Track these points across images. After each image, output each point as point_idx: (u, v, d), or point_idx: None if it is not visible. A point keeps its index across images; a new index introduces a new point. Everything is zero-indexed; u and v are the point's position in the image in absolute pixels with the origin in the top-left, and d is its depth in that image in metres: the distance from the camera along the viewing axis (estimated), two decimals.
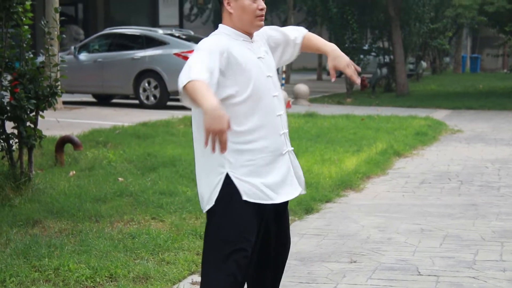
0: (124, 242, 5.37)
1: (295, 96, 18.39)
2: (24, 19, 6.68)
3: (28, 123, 6.76)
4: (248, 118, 3.15)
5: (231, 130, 2.83)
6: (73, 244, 5.30)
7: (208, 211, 3.21)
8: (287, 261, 3.59)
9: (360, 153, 9.72)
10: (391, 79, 23.63)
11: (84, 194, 6.69)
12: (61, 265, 4.77)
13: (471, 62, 41.16)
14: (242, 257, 3.13)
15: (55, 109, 7.05)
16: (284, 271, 3.59)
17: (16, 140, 6.79)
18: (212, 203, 3.17)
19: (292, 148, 3.38)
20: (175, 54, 15.46)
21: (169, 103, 16.15)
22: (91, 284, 4.57)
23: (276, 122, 3.24)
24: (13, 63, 6.74)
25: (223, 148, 2.79)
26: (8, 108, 6.64)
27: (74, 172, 7.76)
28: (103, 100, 17.16)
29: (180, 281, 4.72)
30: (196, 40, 16.37)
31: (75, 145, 8.40)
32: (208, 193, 3.20)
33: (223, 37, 3.19)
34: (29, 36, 6.78)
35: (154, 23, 30.06)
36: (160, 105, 15.64)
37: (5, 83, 6.75)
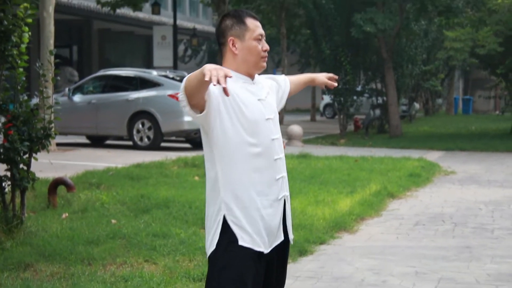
0: (117, 286, 5.32)
1: (289, 137, 18.44)
2: (19, 61, 6.72)
3: (21, 165, 6.74)
4: None
5: (231, 76, 2.87)
6: None
7: (209, 256, 3.18)
8: None
9: (353, 195, 9.71)
10: (384, 120, 23.74)
11: (77, 236, 6.65)
12: None
13: (463, 103, 41.47)
14: None
15: (48, 151, 7.04)
16: None
17: (9, 182, 6.76)
18: (213, 247, 3.15)
19: (288, 194, 3.32)
20: (169, 95, 15.52)
21: (163, 144, 16.16)
22: None
23: (274, 165, 3.20)
24: (7, 105, 6.75)
25: (224, 81, 2.83)
26: (1, 150, 6.63)
27: (66, 214, 7.72)
28: (97, 141, 17.16)
29: None
30: None
31: (68, 187, 8.37)
32: (209, 237, 3.18)
33: None
34: (24, 78, 6.81)
35: (149, 64, 30.26)
36: (154, 146, 15.65)
37: None
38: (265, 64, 3.27)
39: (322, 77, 3.74)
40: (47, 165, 9.64)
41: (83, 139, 17.47)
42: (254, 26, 3.22)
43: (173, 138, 16.92)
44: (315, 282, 5.85)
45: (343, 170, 12.23)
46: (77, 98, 16.48)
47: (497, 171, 13.64)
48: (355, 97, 22.89)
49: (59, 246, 6.28)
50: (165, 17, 31.07)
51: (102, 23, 29.26)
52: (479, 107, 41.82)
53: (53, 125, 6.93)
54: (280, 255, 3.30)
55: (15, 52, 6.68)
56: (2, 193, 6.77)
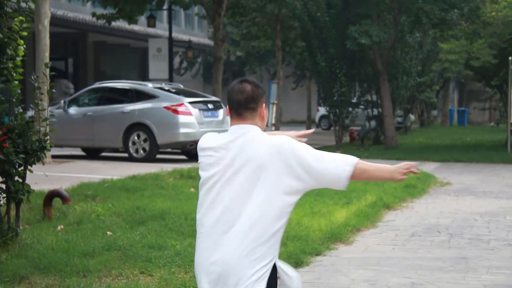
0: None
1: None
2: (14, 74, 6.73)
3: (16, 178, 6.73)
4: None
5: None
6: None
7: None
8: None
9: (349, 206, 9.71)
10: (379, 131, 23.78)
11: (72, 248, 6.63)
12: None
13: (458, 115, 41.57)
14: None
15: (43, 163, 7.03)
16: None
17: (4, 195, 6.75)
18: None
19: None
20: (165, 107, 15.53)
21: (159, 156, 16.15)
22: None
23: None
24: (2, 118, 6.75)
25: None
26: None
27: (62, 226, 7.70)
28: (93, 153, 17.14)
29: None
30: (186, 93, 16.49)
31: (64, 199, 8.35)
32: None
33: None
34: (19, 91, 6.82)
35: (144, 77, 30.29)
36: (149, 158, 15.64)
37: None
38: None
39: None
40: (43, 177, 9.62)
41: (79, 151, 17.44)
42: None
43: (169, 150, 16.91)
44: None
45: None
46: (73, 110, 16.47)
47: (492, 182, 13.66)
48: (350, 109, 22.93)
49: (54, 258, 6.26)
50: (161, 29, 31.13)
51: (98, 36, 29.30)
52: (474, 119, 41.90)
53: (48, 137, 6.93)
54: None
55: (10, 65, 6.69)
56: None
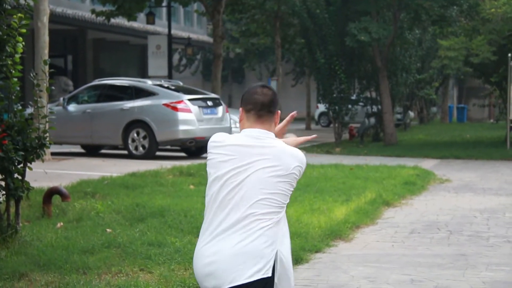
0: None
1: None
2: (13, 71, 6.72)
3: (15, 175, 6.73)
4: None
5: None
6: None
7: None
8: None
9: (349, 203, 9.72)
10: (379, 128, 23.77)
11: (72, 246, 6.63)
12: None
13: (457, 112, 41.58)
14: None
15: (43, 161, 7.03)
16: None
17: (3, 192, 6.75)
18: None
19: None
20: (164, 104, 15.53)
21: (158, 153, 16.15)
22: None
23: None
24: (2, 115, 6.75)
25: None
26: None
27: (61, 223, 7.70)
28: (92, 151, 17.14)
29: None
30: (185, 91, 16.48)
31: (63, 196, 8.35)
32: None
33: None
34: (18, 88, 6.81)
35: (143, 74, 30.27)
36: (149, 155, 15.63)
37: None
38: None
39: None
40: (42, 174, 9.62)
41: (78, 149, 17.45)
42: None
43: (168, 147, 16.91)
44: None
45: (338, 178, 12.23)
46: (72, 107, 16.47)
47: (492, 179, 13.66)
48: (350, 106, 22.93)
49: (54, 255, 6.26)
50: (160, 26, 31.11)
51: (97, 33, 29.28)
52: (473, 116, 41.91)
53: (47, 134, 6.92)
54: None
55: (9, 62, 6.68)
56: None
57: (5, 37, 6.64)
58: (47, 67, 7.60)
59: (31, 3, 7.41)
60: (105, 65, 31.64)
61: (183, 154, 16.99)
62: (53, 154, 15.13)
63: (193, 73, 42.22)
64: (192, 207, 8.40)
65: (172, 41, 26.48)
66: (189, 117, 15.48)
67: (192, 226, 7.52)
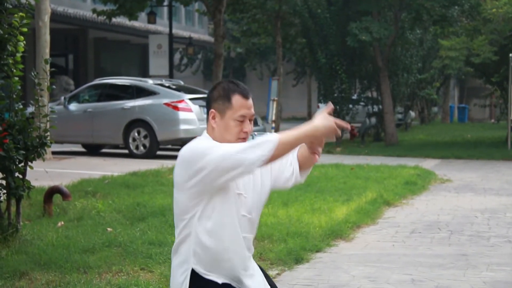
0: None
1: None
2: (14, 70, 6.72)
3: (16, 174, 6.73)
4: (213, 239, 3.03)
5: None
6: None
7: None
8: None
9: (350, 203, 9.71)
10: (380, 128, 23.77)
11: (72, 245, 6.63)
12: None
13: (458, 112, 41.56)
14: None
15: (44, 160, 7.03)
16: None
17: (4, 191, 6.75)
18: None
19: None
20: (165, 104, 15.53)
21: (159, 152, 16.15)
22: None
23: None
24: (3, 114, 6.75)
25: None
26: None
27: (62, 222, 7.71)
28: (93, 150, 17.15)
29: None
30: (186, 90, 16.48)
31: (64, 195, 8.35)
32: None
33: None
34: (19, 87, 6.81)
35: (144, 73, 30.29)
36: (149, 154, 15.64)
37: None
38: None
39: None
40: (43, 173, 9.62)
41: (79, 148, 17.45)
42: (240, 105, 3.03)
43: (169, 146, 16.91)
44: None
45: (339, 178, 12.23)
46: (73, 106, 16.48)
47: (493, 179, 13.66)
48: (351, 106, 22.93)
49: (54, 254, 6.26)
50: (161, 26, 31.12)
51: (98, 32, 29.29)
52: (474, 116, 41.91)
53: (48, 133, 6.93)
54: None
55: (10, 61, 6.68)
56: None
57: (6, 36, 6.64)
58: (48, 66, 7.59)
59: (32, 2, 7.41)
60: (106, 65, 31.65)
61: None
62: (54, 153, 15.14)
63: (194, 73, 42.22)
64: None
65: (173, 41, 26.49)
66: (190, 116, 15.48)
67: None
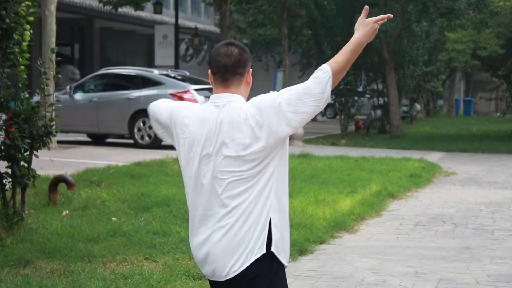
0: (116, 283, 5.32)
1: (290, 137, 18.44)
2: (20, 59, 6.73)
3: (22, 163, 6.75)
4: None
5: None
6: (64, 285, 5.25)
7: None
8: None
9: (354, 195, 9.72)
10: (385, 121, 23.75)
11: (77, 234, 6.65)
12: None
13: (464, 105, 41.48)
14: None
15: (49, 149, 7.04)
16: None
17: (10, 180, 6.77)
18: None
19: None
20: (171, 94, 15.52)
21: (164, 143, 16.17)
22: None
23: None
24: (9, 103, 6.76)
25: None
26: (2, 147, 6.64)
27: (67, 211, 7.73)
28: (98, 139, 17.16)
29: None
30: (191, 81, 16.47)
31: (69, 184, 8.38)
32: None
33: None
34: (25, 76, 6.82)
35: (150, 63, 30.27)
36: (154, 145, 15.65)
37: (0, 122, 6.76)
38: None
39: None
40: (48, 162, 9.64)
41: (84, 137, 17.48)
42: None
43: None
44: (315, 281, 5.85)
45: (343, 170, 12.23)
46: (78, 96, 16.49)
47: (498, 172, 13.64)
48: (356, 98, 22.89)
49: (59, 243, 6.29)
50: (167, 16, 31.06)
51: (104, 22, 29.27)
52: (480, 109, 41.82)
53: (54, 122, 6.94)
54: None
55: (16, 50, 6.69)
56: (3, 190, 6.78)
57: (12, 25, 6.64)
58: (54, 55, 7.60)
59: None
60: (112, 54, 31.64)
61: None
62: (59, 142, 15.16)
63: (199, 63, 42.19)
64: None
65: (179, 31, 26.44)
66: None
67: None
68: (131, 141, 16.21)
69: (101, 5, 21.99)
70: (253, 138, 2.96)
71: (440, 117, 35.86)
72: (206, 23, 38.61)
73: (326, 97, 3.10)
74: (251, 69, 3.16)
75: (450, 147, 18.36)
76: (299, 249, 6.75)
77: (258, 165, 2.98)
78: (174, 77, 16.24)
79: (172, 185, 9.59)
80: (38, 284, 5.18)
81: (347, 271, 6.18)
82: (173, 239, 6.61)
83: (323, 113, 36.45)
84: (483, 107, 41.44)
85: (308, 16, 23.56)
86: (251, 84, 3.16)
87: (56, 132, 6.94)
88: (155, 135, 15.71)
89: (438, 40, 27.87)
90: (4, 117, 6.82)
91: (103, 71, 17.27)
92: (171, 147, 15.72)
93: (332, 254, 6.83)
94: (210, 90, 16.33)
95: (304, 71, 41.99)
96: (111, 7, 21.60)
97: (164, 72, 16.62)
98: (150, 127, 15.73)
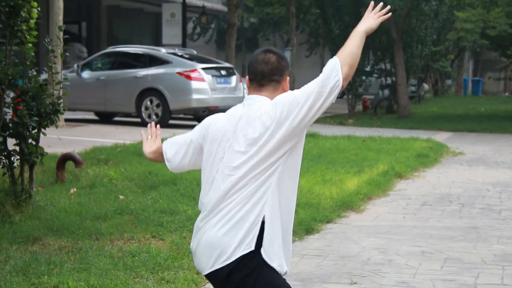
0: (124, 261, 5.35)
1: None
2: (28, 37, 6.72)
3: (30, 140, 6.77)
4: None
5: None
6: (72, 262, 5.29)
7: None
8: None
9: (361, 174, 9.72)
10: (393, 100, 23.66)
11: (85, 211, 6.69)
12: (60, 283, 4.75)
13: (472, 85, 41.26)
14: None
15: (57, 127, 7.06)
16: None
17: (18, 157, 6.80)
18: None
19: None
20: (178, 73, 15.51)
21: (171, 121, 16.17)
22: None
23: None
24: (16, 81, 6.77)
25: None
26: (10, 125, 6.66)
27: (75, 189, 7.76)
28: (105, 118, 17.19)
29: None
30: (199, 59, 16.44)
31: (76, 162, 8.40)
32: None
33: None
34: (33, 54, 6.82)
35: (157, 42, 30.19)
36: (162, 123, 15.64)
37: (8, 100, 6.77)
38: None
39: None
40: (56, 140, 9.67)
41: (92, 115, 17.50)
42: None
43: (181, 115, 16.92)
44: (321, 260, 5.87)
45: (351, 150, 12.22)
46: (86, 74, 16.49)
47: (505, 152, 13.60)
48: (364, 77, 22.80)
49: (67, 220, 6.32)
50: None
51: (111, 0, 29.19)
52: (488, 89, 41.61)
53: (61, 100, 6.94)
54: None
55: (24, 27, 6.68)
56: (11, 168, 6.81)
57: (20, 2, 6.63)
58: (61, 33, 7.57)
59: None
60: (119, 33, 31.57)
61: (196, 123, 17.01)
62: (66, 120, 15.19)
63: (207, 42, 42.06)
64: None
65: (186, 10, 26.35)
66: (203, 86, 15.47)
67: None
68: (138, 119, 16.22)
69: None
70: (262, 131, 2.97)
71: (448, 97, 35.72)
72: (214, 2, 38.44)
73: (332, 83, 3.13)
74: (288, 77, 3.18)
75: (458, 127, 18.31)
76: (306, 228, 6.77)
77: (262, 162, 2.98)
78: (181, 56, 16.21)
79: None
80: (47, 260, 5.21)
81: (354, 250, 6.20)
82: (180, 217, 6.64)
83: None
84: (491, 87, 41.22)
85: None
86: (288, 91, 3.15)
87: (64, 110, 6.95)
88: (162, 113, 15.73)
89: (447, 19, 27.67)
90: (12, 94, 6.83)
91: (110, 49, 17.25)
92: (178, 126, 15.73)
93: (338, 233, 6.84)
94: (217, 69, 16.31)
95: (311, 50, 41.84)
96: None
97: (172, 51, 16.59)
98: (157, 106, 15.74)
